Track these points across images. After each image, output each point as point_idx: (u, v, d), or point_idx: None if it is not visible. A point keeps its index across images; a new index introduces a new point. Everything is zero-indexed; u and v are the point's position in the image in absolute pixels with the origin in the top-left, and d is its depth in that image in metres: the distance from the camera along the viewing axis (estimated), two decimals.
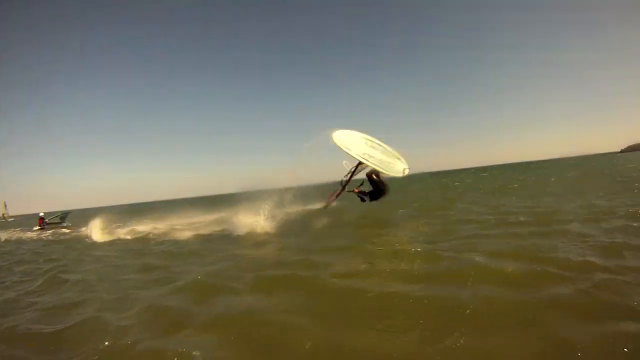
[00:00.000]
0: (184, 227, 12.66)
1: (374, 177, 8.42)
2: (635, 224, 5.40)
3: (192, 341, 2.82)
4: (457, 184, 25.47)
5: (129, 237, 11.28)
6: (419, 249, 4.93)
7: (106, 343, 2.94)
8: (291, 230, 8.56)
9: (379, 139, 9.51)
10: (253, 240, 7.85)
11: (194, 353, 2.58)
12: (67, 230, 17.70)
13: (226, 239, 8.53)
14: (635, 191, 9.57)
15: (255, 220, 8.98)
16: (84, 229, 15.66)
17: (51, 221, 20.82)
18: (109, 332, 3.17)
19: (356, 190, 8.64)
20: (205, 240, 8.83)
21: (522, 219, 6.92)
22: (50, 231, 18.28)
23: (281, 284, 4.08)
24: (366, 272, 4.19)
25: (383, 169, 8.22)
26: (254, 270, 4.87)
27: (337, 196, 9.40)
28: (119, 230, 13.18)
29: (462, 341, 2.41)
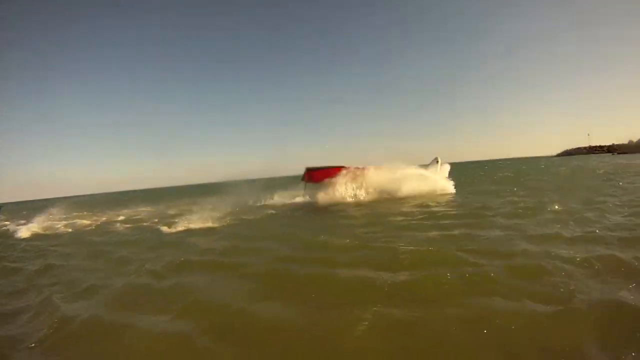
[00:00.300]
0: (130, 218, 12.73)
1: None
2: (551, 218, 5.91)
3: (139, 318, 3.11)
4: None
5: (70, 230, 11.19)
6: (350, 242, 5.23)
7: (56, 320, 3.20)
8: (242, 220, 9.07)
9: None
10: (203, 229, 8.14)
11: (143, 327, 2.88)
12: (7, 222, 16.75)
13: (172, 229, 8.66)
14: (560, 190, 10.40)
15: (207, 209, 9.29)
16: (23, 221, 14.97)
17: None
18: (60, 312, 3.39)
19: None
20: (147, 231, 9.03)
21: (450, 212, 7.57)
22: None
23: (224, 268, 4.48)
24: (302, 258, 4.60)
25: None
26: (198, 255, 5.22)
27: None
28: (62, 222, 13.00)
29: (383, 313, 2.72)
